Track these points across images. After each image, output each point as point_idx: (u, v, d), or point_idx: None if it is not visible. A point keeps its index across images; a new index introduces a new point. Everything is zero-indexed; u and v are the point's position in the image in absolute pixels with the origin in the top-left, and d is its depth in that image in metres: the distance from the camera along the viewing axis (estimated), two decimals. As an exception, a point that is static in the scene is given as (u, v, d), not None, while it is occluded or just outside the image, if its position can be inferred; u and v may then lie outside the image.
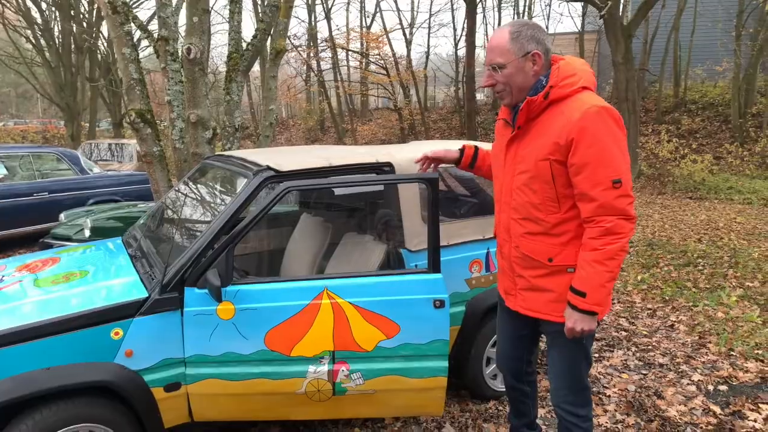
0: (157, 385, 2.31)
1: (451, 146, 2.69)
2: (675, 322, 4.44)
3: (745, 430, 2.86)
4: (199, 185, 3.19)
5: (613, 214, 1.82)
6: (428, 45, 26.71)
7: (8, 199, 6.91)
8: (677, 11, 16.06)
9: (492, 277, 3.10)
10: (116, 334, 2.24)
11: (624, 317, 4.58)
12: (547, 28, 25.87)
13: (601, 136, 1.82)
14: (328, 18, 21.85)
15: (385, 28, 20.34)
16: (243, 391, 2.37)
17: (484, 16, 22.31)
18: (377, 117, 24.57)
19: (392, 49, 20.16)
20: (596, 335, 4.11)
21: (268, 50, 5.01)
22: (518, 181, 2.02)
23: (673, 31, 16.44)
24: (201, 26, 4.32)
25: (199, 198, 3.05)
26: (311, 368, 2.36)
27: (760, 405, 3.10)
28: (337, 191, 3.60)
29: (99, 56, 17.69)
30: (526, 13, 19.52)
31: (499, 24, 22.17)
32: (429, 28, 29.62)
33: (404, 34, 20.50)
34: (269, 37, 5.04)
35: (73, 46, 16.46)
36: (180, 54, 4.42)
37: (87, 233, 5.13)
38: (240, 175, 2.68)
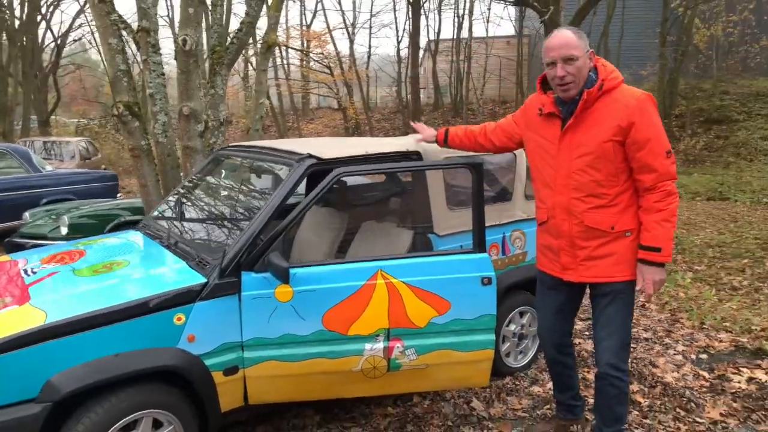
0: (216, 369, 2.33)
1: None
2: (645, 302, 4.83)
3: (733, 390, 3.22)
4: (223, 175, 3.20)
5: (669, 179, 2.17)
6: (369, 45, 26.93)
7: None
8: (606, 18, 17.12)
9: (507, 260, 3.31)
10: (179, 319, 2.25)
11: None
12: (486, 30, 26.74)
13: (653, 117, 2.16)
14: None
15: (328, 26, 20.36)
16: (300, 371, 2.43)
17: (426, 18, 22.81)
18: (320, 116, 24.52)
19: (336, 48, 20.24)
20: (581, 316, 4.41)
21: (258, 45, 4.99)
22: (579, 163, 2.26)
23: (603, 37, 17.49)
24: (196, 17, 4.26)
25: (231, 187, 3.06)
26: (368, 346, 2.45)
27: (741, 369, 3.48)
28: (351, 181, 3.70)
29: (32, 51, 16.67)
30: (466, 16, 20.14)
31: (440, 25, 22.74)
32: (370, 28, 29.85)
33: (348, 33, 20.62)
34: (254, 30, 5.02)
35: (5, 39, 15.43)
36: (175, 46, 4.34)
37: (64, 231, 4.95)
38: (281, 164, 2.73)
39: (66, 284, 2.40)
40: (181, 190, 3.40)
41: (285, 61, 21.93)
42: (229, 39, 5.02)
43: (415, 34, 18.09)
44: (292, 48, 21.69)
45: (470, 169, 2.55)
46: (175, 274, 2.41)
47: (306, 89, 22.71)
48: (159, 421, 2.27)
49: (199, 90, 4.46)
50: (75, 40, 22.88)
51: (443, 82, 21.44)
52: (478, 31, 42.02)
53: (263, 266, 2.38)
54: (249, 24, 5.03)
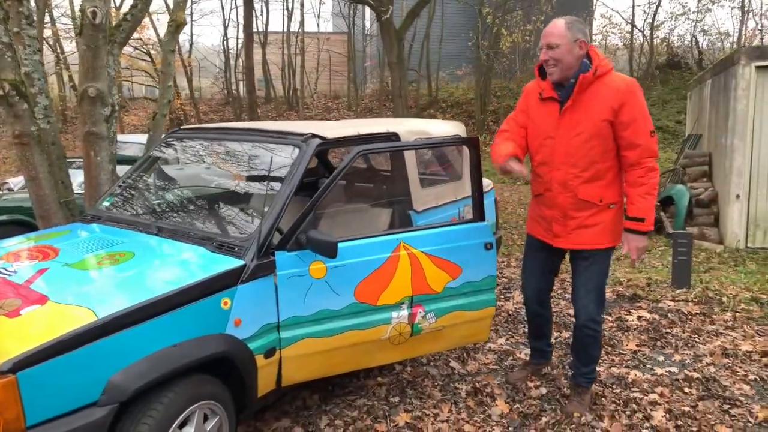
0: (259, 353, 2.27)
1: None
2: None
3: (633, 327, 3.97)
4: (195, 158, 3.00)
5: (651, 156, 2.54)
6: (191, 33, 25.31)
7: None
8: (428, 20, 18.60)
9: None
10: (225, 303, 2.15)
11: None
12: (317, 26, 26.76)
13: (640, 100, 2.54)
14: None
15: (148, 11, 18.70)
16: (335, 345, 2.47)
17: (254, 9, 22.18)
18: (135, 107, 22.45)
19: (157, 34, 18.72)
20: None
21: (167, 24, 4.54)
22: (576, 141, 2.57)
23: (425, 39, 18.96)
24: (104, -13, 3.80)
25: (220, 169, 2.90)
26: (394, 314, 2.58)
27: (629, 311, 4.29)
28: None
29: None
30: (297, 9, 20.15)
31: (268, 17, 22.38)
32: (191, 14, 27.94)
33: (149, 19, 19.13)
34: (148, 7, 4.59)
35: None
36: (82, 18, 3.81)
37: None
38: (285, 144, 2.69)
39: (79, 279, 2.12)
40: (138, 176, 3.10)
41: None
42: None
43: (248, 25, 17.59)
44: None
45: (468, 145, 2.82)
46: (202, 259, 2.27)
47: (122, 77, 20.61)
48: (204, 414, 2.14)
49: (107, 68, 4.00)
50: None
51: (275, 75, 21.19)
52: (310, 26, 41.92)
53: (296, 245, 2.37)
54: (144, 0, 4.62)
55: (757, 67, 6.24)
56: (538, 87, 2.71)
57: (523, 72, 19.58)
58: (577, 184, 2.61)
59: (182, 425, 2.03)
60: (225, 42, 21.02)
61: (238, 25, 22.96)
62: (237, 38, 22.69)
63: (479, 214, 2.83)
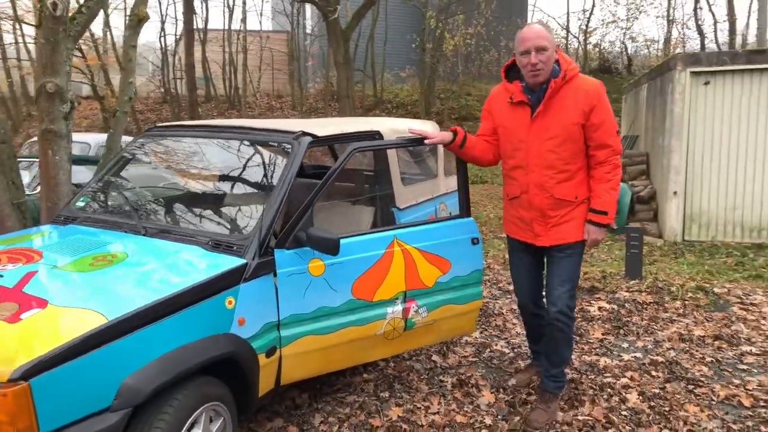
0: (261, 352, 2.26)
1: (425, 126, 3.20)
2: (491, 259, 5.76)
3: (596, 317, 4.19)
4: (176, 155, 2.92)
5: (617, 154, 2.62)
6: (125, 27, 24.16)
7: None
8: (372, 21, 18.69)
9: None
10: (229, 302, 2.13)
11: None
12: (260, 24, 26.26)
13: (607, 102, 2.60)
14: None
15: (78, 2, 17.79)
16: (333, 342, 2.48)
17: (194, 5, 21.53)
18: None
19: (90, 29, 17.82)
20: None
21: (128, 18, 4.34)
22: (549, 144, 2.59)
23: (370, 40, 19.05)
24: (64, -22, 3.61)
25: (211, 167, 2.83)
26: (389, 309, 2.62)
27: (590, 302, 4.52)
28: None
29: None
30: (238, 6, 19.74)
31: (208, 13, 21.79)
32: (125, 9, 26.76)
33: (104, 13, 18.31)
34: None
35: None
36: (41, 10, 3.59)
37: None
38: (276, 142, 2.67)
39: (77, 281, 2.03)
40: (112, 176, 2.98)
41: (21, 40, 18.44)
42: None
43: (188, 22, 17.08)
44: (27, 23, 18.37)
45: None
46: (202, 258, 2.23)
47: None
48: (209, 416, 2.11)
49: (67, 64, 3.82)
50: None
51: (215, 74, 20.67)
52: (252, 23, 40.83)
53: (295, 242, 2.37)
54: (101, -8, 4.43)
55: (692, 73, 6.71)
56: (507, 91, 2.72)
57: (465, 75, 20.04)
58: (552, 184, 2.64)
59: (189, 428, 1.99)
60: (163, 38, 20.32)
61: (176, 21, 22.23)
62: (175, 35, 21.94)
63: (466, 210, 2.92)
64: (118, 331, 1.77)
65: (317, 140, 2.68)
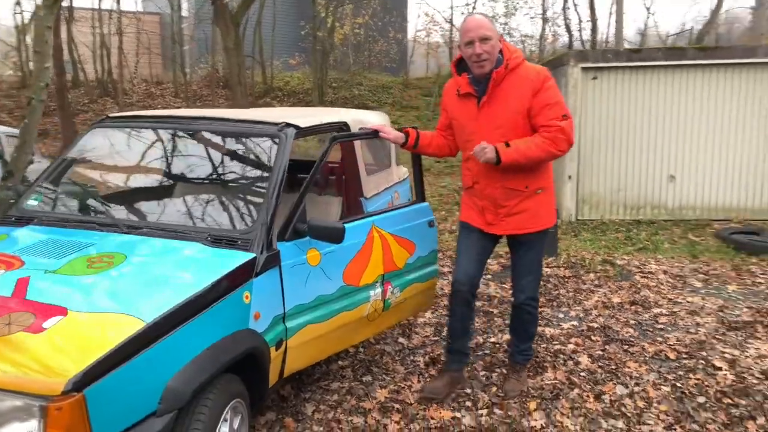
0: (272, 345, 2.26)
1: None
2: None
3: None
4: (141, 147, 2.75)
5: (562, 133, 2.56)
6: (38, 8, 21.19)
7: None
8: (260, 6, 18.18)
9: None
10: (246, 298, 2.11)
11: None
12: (135, 3, 24.15)
13: (553, 87, 2.62)
14: None
15: None
16: (329, 329, 2.55)
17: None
18: None
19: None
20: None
21: None
22: (497, 134, 2.59)
23: (257, 26, 18.51)
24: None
25: (189, 161, 2.69)
26: (372, 292, 2.74)
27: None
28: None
29: None
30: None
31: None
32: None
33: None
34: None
35: None
36: None
37: None
38: (260, 134, 2.63)
39: (87, 285, 1.89)
40: (65, 172, 2.74)
41: None
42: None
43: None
44: None
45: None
46: (211, 255, 2.16)
47: None
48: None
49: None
50: None
51: (84, 57, 18.90)
52: (127, 4, 37.33)
53: (294, 234, 2.38)
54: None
55: (583, 68, 7.42)
56: (455, 84, 2.76)
57: (356, 65, 20.20)
58: (501, 174, 2.65)
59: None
60: (20, 15, 18.15)
61: (35, -3, 19.92)
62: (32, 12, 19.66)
63: (421, 196, 3.11)
64: (156, 334, 1.71)
65: (300, 131, 2.68)
